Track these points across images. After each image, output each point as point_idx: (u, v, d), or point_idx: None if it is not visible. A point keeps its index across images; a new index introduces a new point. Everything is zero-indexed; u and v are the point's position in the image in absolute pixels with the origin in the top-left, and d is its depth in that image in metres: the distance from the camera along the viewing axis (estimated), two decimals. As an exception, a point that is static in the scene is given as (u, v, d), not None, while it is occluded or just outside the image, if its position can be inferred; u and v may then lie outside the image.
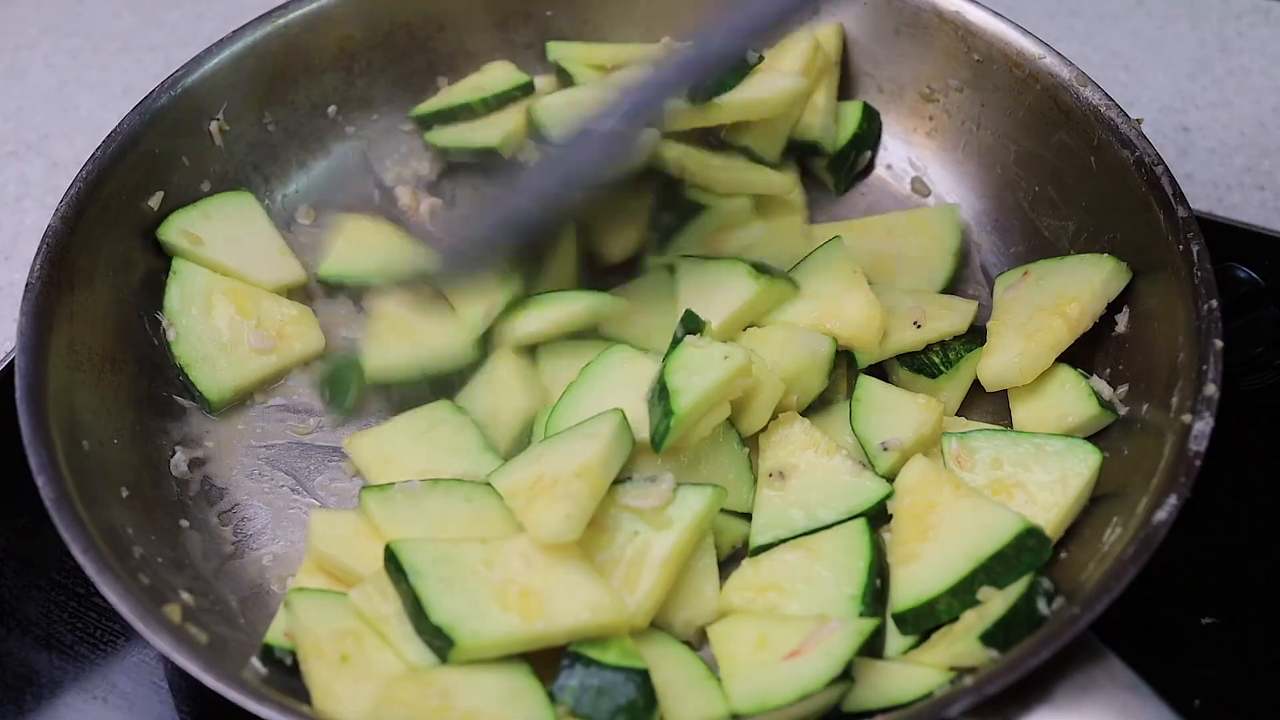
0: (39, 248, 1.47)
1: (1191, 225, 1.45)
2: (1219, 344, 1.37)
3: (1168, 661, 1.43)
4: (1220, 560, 1.53)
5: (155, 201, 1.61)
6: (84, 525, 1.30)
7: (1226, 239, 1.71)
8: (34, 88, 2.15)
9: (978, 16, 1.69)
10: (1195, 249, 1.43)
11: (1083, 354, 1.55)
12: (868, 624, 1.30)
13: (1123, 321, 1.54)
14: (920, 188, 1.80)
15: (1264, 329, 1.70)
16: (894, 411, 1.50)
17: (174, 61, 1.67)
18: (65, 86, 2.15)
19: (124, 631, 1.47)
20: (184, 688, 1.43)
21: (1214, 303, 1.39)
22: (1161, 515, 1.27)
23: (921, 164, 1.81)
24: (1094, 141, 1.59)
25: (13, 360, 1.57)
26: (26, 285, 1.44)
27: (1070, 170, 1.64)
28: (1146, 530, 1.27)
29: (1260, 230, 1.84)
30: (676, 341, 1.46)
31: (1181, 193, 1.48)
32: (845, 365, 1.59)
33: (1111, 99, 1.58)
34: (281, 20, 1.71)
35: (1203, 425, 1.32)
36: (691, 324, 1.47)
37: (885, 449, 1.47)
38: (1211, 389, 1.34)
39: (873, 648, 1.32)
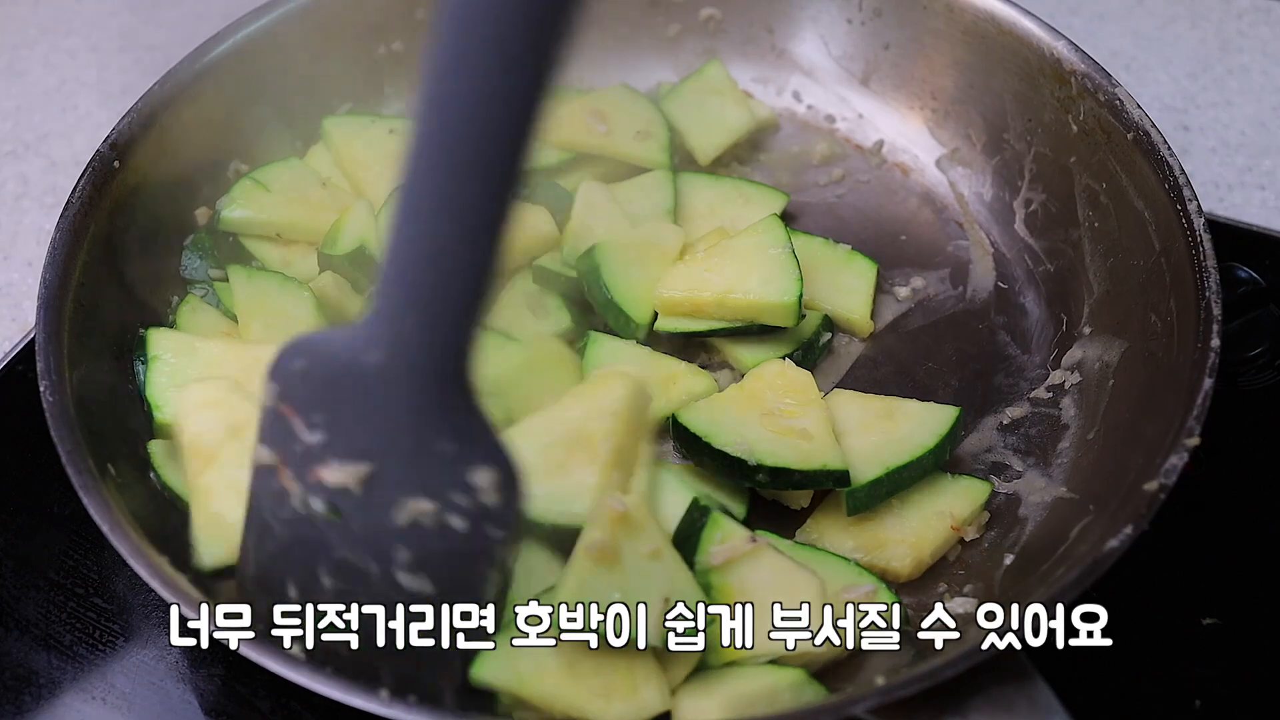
0: (84, 170, 1.52)
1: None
2: (1209, 383, 1.34)
3: (1168, 661, 1.43)
4: (1220, 560, 1.53)
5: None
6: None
7: (1227, 239, 1.70)
8: (33, 87, 2.15)
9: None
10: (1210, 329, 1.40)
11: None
12: None
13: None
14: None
15: (1264, 329, 1.70)
16: None
17: (174, 61, 1.67)
18: (64, 86, 2.15)
19: (123, 632, 1.47)
20: (198, 681, 1.44)
21: (1215, 342, 1.37)
22: (1113, 544, 1.25)
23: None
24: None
25: (10, 361, 1.58)
26: (66, 204, 1.49)
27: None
28: (1095, 557, 1.25)
29: (1260, 230, 1.84)
30: None
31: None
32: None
33: (1113, 82, 1.59)
34: None
35: (1176, 460, 1.30)
36: None
37: None
38: (1194, 430, 1.32)
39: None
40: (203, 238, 1.65)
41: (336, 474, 1.17)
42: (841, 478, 1.41)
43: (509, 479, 1.15)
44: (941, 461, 1.48)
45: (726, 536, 1.33)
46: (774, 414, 1.46)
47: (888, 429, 1.48)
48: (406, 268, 1.06)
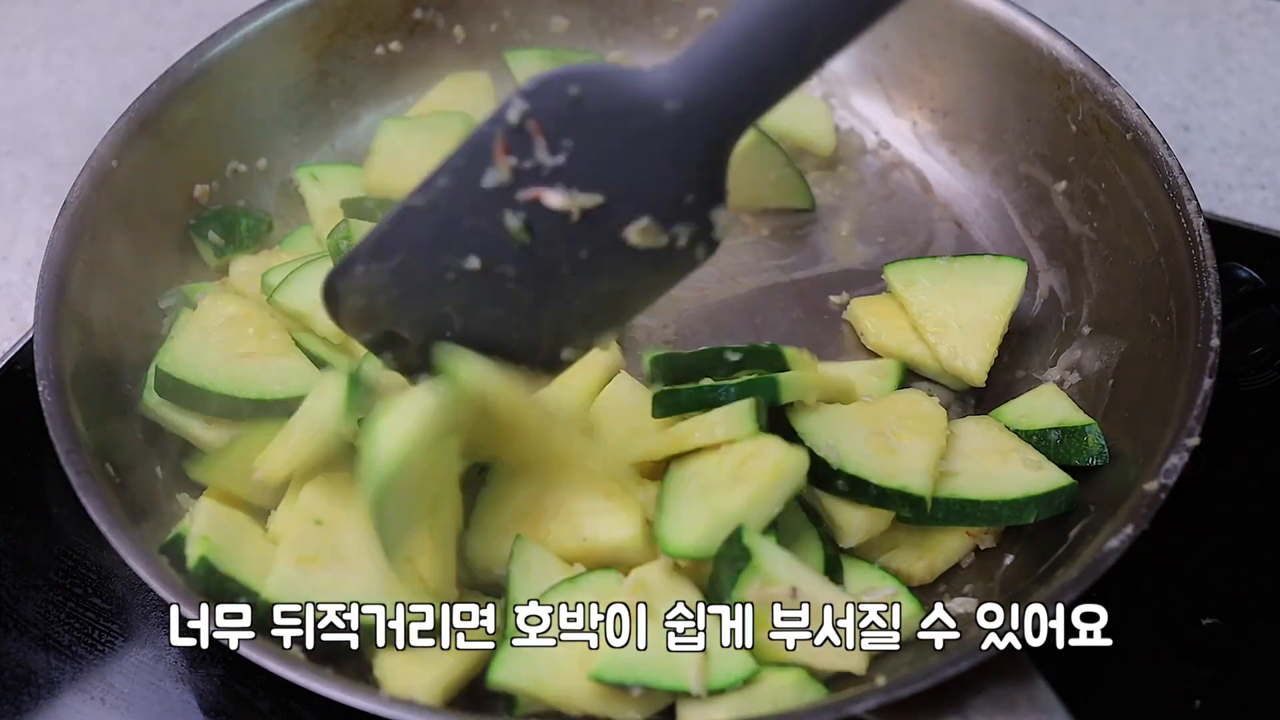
0: (83, 170, 1.53)
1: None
2: (1209, 383, 1.34)
3: (1168, 661, 1.43)
4: (1220, 560, 1.53)
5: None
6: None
7: (1227, 239, 1.70)
8: (32, 87, 2.15)
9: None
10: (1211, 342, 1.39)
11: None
12: None
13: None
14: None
15: (1264, 329, 1.70)
16: None
17: (173, 60, 1.67)
18: (64, 85, 2.15)
19: (122, 632, 1.47)
20: (198, 681, 1.44)
21: (1214, 342, 1.37)
22: (1113, 544, 1.25)
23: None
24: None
25: (10, 361, 1.57)
26: (64, 204, 1.50)
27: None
28: (1095, 557, 1.25)
29: (1261, 230, 1.84)
30: None
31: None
32: None
33: (1112, 82, 1.59)
34: None
35: (1176, 460, 1.30)
36: None
37: None
38: (1194, 430, 1.31)
39: None
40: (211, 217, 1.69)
41: (562, 200, 1.17)
42: (918, 504, 1.35)
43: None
44: (1021, 521, 1.39)
45: (766, 584, 1.26)
46: (884, 434, 1.40)
47: (989, 465, 1.43)
48: (748, 22, 1.12)
